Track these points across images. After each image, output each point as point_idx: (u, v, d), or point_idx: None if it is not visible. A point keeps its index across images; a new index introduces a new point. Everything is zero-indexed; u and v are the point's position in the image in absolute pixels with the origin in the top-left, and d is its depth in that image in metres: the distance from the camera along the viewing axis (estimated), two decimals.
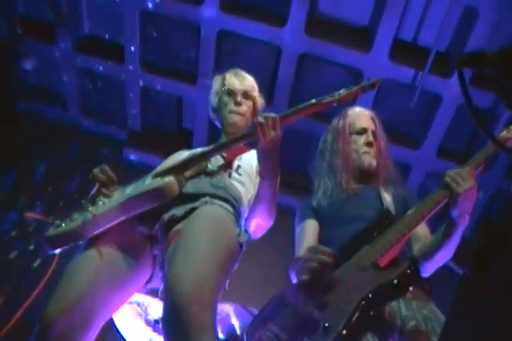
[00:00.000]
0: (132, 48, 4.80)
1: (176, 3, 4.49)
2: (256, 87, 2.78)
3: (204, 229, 2.02)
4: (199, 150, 2.51)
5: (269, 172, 2.21)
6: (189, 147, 5.24)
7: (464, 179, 2.10)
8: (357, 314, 1.89)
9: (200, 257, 1.89)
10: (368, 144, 2.59)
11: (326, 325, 1.88)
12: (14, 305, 3.33)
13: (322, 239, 2.43)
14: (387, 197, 2.46)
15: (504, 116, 4.32)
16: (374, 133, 2.64)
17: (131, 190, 2.19)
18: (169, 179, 2.12)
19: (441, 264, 2.25)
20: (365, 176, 2.59)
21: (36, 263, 4.21)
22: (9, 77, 5.07)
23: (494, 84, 1.19)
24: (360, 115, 2.70)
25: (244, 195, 2.36)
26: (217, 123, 2.82)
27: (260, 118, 2.15)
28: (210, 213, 2.12)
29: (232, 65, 4.75)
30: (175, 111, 5.36)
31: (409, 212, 2.19)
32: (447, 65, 4.36)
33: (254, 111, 2.76)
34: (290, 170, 4.91)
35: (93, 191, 2.25)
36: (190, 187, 2.24)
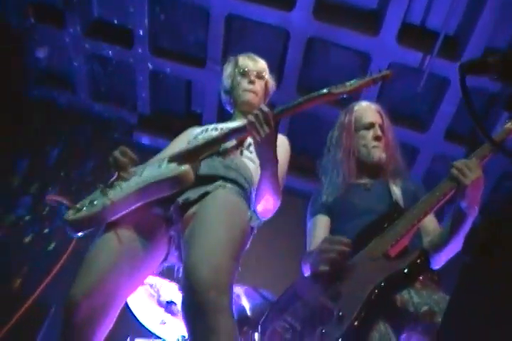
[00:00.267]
0: (141, 32, 4.83)
1: None
2: (267, 69, 2.83)
3: (219, 214, 2.05)
4: (211, 127, 2.57)
5: (268, 163, 2.23)
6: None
7: (470, 170, 2.11)
8: (370, 303, 1.92)
9: (216, 244, 1.92)
10: (377, 138, 2.61)
11: (340, 313, 1.92)
12: (30, 287, 3.40)
13: (333, 233, 2.46)
14: (396, 191, 2.48)
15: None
16: (381, 126, 2.66)
17: (147, 174, 2.22)
18: (185, 167, 2.16)
19: (451, 256, 2.25)
20: (375, 170, 2.61)
21: (51, 246, 4.29)
22: (21, 64, 5.10)
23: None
24: (366, 110, 2.72)
25: (255, 172, 2.38)
26: (229, 107, 2.85)
27: (250, 117, 2.18)
28: (224, 198, 2.15)
29: (240, 48, 4.78)
30: (184, 94, 5.39)
31: (418, 203, 2.21)
32: (455, 49, 4.37)
33: (267, 92, 2.82)
34: (301, 153, 4.95)
35: (113, 178, 2.27)
36: (203, 168, 2.27)
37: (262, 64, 2.82)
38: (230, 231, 2.01)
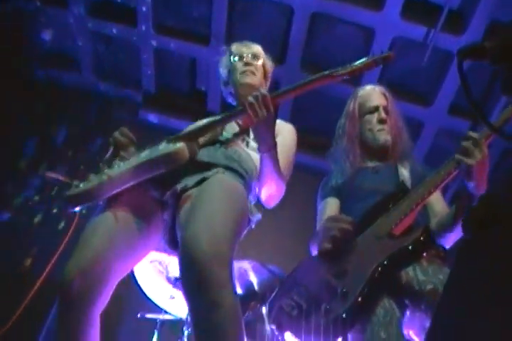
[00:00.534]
0: (144, 8, 4.81)
1: None
2: (263, 53, 2.80)
3: (218, 191, 2.05)
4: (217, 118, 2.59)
5: (266, 146, 2.23)
6: (203, 108, 5.33)
7: (476, 149, 2.11)
8: (373, 280, 1.96)
9: (216, 215, 1.91)
10: (381, 121, 2.63)
11: (344, 290, 1.97)
12: (41, 266, 3.46)
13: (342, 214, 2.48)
14: (404, 172, 2.51)
15: None
16: (386, 108, 2.68)
17: (146, 154, 2.24)
18: (180, 145, 2.17)
19: (460, 235, 2.25)
20: (382, 153, 2.64)
21: (60, 226, 4.34)
22: (26, 45, 5.10)
23: None
24: (370, 94, 2.73)
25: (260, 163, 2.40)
26: (230, 99, 2.82)
27: (250, 98, 2.17)
28: (223, 179, 2.15)
29: (245, 25, 4.77)
30: (189, 72, 5.39)
31: (423, 182, 2.23)
32: (459, 23, 4.34)
33: (265, 72, 2.78)
34: (312, 131, 4.98)
35: (108, 154, 2.31)
36: (204, 156, 2.27)
37: (256, 47, 2.78)
38: (228, 204, 2.01)
